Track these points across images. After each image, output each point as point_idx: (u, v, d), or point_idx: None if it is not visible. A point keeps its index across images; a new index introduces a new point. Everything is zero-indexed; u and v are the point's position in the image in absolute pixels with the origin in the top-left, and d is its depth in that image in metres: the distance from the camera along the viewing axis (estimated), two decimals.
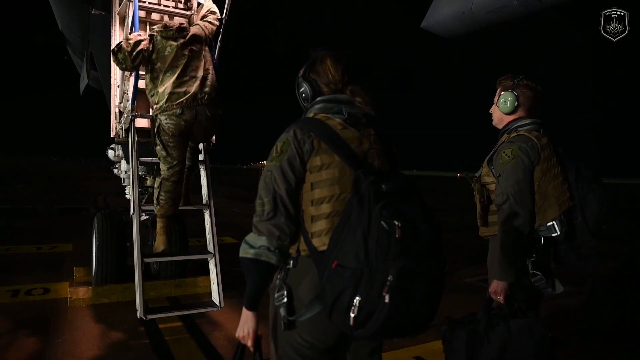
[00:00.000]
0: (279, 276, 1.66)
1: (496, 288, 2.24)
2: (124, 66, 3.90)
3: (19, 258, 6.85)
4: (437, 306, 1.46)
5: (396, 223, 1.34)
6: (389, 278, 1.31)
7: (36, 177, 32.71)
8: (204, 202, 4.39)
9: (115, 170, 6.01)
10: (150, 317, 3.66)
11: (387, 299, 1.30)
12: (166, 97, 3.80)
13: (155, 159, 4.22)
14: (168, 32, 3.92)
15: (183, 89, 3.83)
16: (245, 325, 1.66)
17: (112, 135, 4.98)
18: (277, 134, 1.73)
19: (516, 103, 2.41)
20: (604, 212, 2.36)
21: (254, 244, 1.59)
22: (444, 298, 1.47)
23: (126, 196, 5.40)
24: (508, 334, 2.11)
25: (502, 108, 2.45)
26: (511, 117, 2.47)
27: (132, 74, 4.12)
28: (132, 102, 4.14)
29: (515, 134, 2.38)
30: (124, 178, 5.73)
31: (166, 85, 3.82)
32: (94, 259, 4.96)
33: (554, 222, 2.25)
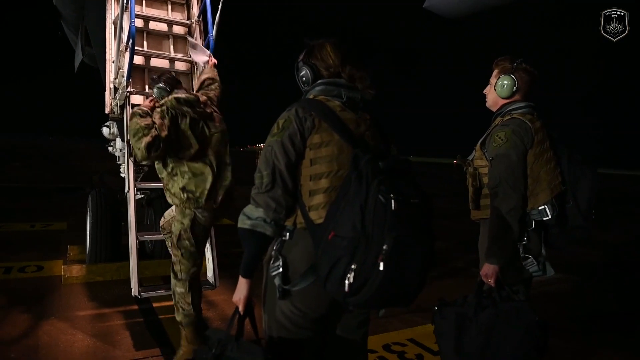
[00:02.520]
0: (274, 247, 1.72)
1: (487, 271, 2.24)
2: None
3: (13, 236, 6.81)
4: (426, 278, 1.55)
5: (392, 197, 1.43)
6: (384, 247, 1.40)
7: (31, 156, 32.49)
8: None
9: (110, 149, 5.94)
10: (144, 294, 3.63)
11: (381, 267, 1.39)
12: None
13: None
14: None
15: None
16: (239, 292, 1.74)
17: (106, 112, 4.91)
18: (275, 116, 1.78)
19: (515, 88, 2.37)
20: (595, 196, 2.36)
21: (251, 216, 1.64)
22: (440, 282, 1.48)
23: (121, 174, 5.34)
24: (496, 316, 2.12)
25: (500, 92, 2.41)
26: (506, 101, 2.44)
27: (128, 51, 4.03)
28: (128, 78, 4.06)
29: (509, 117, 2.36)
30: (119, 156, 5.67)
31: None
32: (88, 237, 4.93)
33: (545, 206, 2.24)
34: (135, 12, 4.01)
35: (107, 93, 4.83)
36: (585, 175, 2.34)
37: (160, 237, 4.34)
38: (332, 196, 1.62)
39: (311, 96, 1.81)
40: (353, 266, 1.43)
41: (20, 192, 12.06)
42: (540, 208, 2.25)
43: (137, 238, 3.69)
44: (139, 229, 3.89)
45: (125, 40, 4.19)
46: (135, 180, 3.95)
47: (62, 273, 4.73)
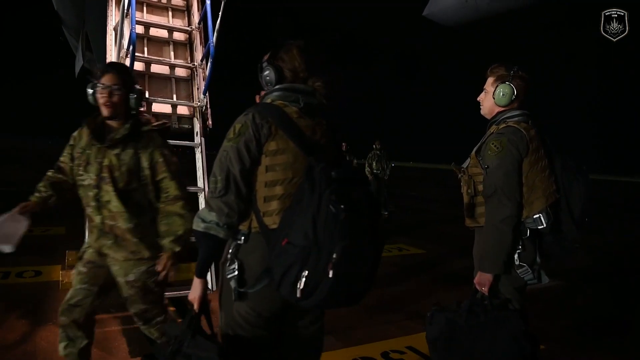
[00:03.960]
0: (230, 250, 1.79)
1: (481, 280, 2.25)
2: None
3: None
4: (373, 281, 1.66)
5: (342, 207, 1.50)
6: (334, 255, 1.48)
7: (30, 159, 32.44)
8: (199, 185, 4.36)
9: None
10: None
11: (330, 274, 1.48)
12: None
13: None
14: None
15: None
16: (194, 291, 1.80)
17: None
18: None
19: (513, 97, 2.37)
20: (589, 204, 2.37)
21: (205, 219, 1.71)
22: (437, 288, 1.51)
23: None
24: (484, 324, 2.14)
25: (499, 100, 2.40)
26: (502, 108, 2.44)
27: (128, 57, 4.05)
28: None
29: (504, 125, 2.36)
30: None
31: None
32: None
33: (540, 214, 2.24)
34: (136, 19, 4.04)
35: None
36: (579, 182, 2.35)
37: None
38: (286, 203, 1.69)
39: (269, 100, 1.83)
40: (305, 273, 1.51)
41: (18, 196, 12.03)
42: (535, 216, 2.25)
43: None
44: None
45: (125, 46, 4.21)
46: None
47: (61, 278, 4.72)
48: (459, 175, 2.48)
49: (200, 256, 1.77)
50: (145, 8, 4.87)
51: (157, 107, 4.57)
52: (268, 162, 1.72)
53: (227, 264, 1.79)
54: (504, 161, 2.23)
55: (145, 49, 4.66)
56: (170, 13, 5.00)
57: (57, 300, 4.32)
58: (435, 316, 2.27)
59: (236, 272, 1.75)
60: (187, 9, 5.10)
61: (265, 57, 1.89)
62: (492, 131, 2.40)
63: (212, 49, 4.24)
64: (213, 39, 4.27)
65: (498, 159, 2.24)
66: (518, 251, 2.27)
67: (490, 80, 2.48)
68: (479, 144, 2.44)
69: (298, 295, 1.53)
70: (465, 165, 2.48)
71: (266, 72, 1.86)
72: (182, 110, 4.66)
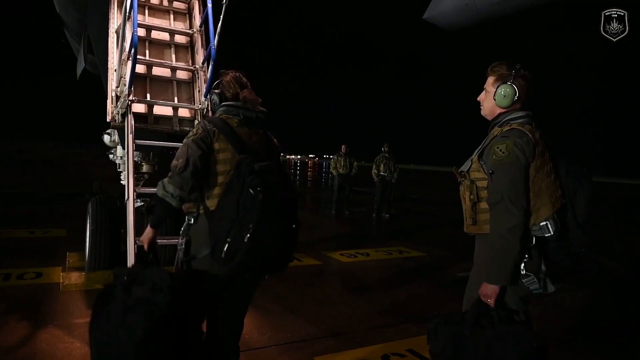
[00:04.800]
0: (182, 229, 2.31)
1: (487, 291, 2.14)
2: None
3: (12, 242, 6.81)
4: (288, 254, 2.21)
5: (259, 190, 2.01)
6: (250, 226, 1.99)
7: (31, 162, 32.49)
8: None
9: (111, 156, 5.95)
10: None
11: (246, 240, 1.98)
12: None
13: (151, 142, 4.18)
14: None
15: None
16: (146, 235, 2.31)
17: (108, 120, 4.92)
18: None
19: (515, 97, 2.24)
20: (592, 208, 2.26)
21: (165, 188, 2.19)
22: (439, 291, 1.50)
23: (121, 182, 5.35)
24: (493, 339, 2.03)
25: (500, 102, 2.27)
26: (504, 110, 2.30)
27: (130, 59, 4.06)
28: (130, 87, 4.09)
29: (508, 127, 2.22)
30: (119, 164, 5.67)
31: None
32: (87, 244, 4.92)
33: (547, 221, 2.12)
34: (138, 22, 4.05)
35: (109, 101, 4.85)
36: (583, 186, 2.24)
37: (159, 242, 4.34)
38: (223, 189, 2.19)
39: (217, 114, 2.43)
40: (228, 239, 2.02)
41: (20, 198, 12.06)
42: (542, 224, 2.12)
43: (135, 244, 3.69)
44: (138, 236, 3.89)
45: (127, 49, 4.22)
46: (135, 187, 3.96)
47: (61, 280, 4.73)
48: (459, 180, 2.36)
49: (154, 214, 2.26)
50: (146, 11, 4.89)
51: (158, 110, 4.58)
52: (212, 158, 2.25)
53: (180, 239, 2.30)
54: (510, 167, 2.10)
55: (147, 51, 4.67)
56: (171, 16, 5.02)
57: (58, 302, 4.34)
58: (440, 330, 2.16)
59: (183, 247, 2.26)
60: (189, 12, 5.12)
61: (213, 87, 2.54)
62: (495, 134, 2.25)
63: (213, 52, 4.25)
64: (214, 41, 4.27)
65: (504, 164, 2.11)
66: (524, 260, 2.15)
67: (490, 79, 2.34)
68: (480, 147, 2.32)
69: (223, 256, 2.04)
70: (466, 168, 2.34)
71: (212, 97, 2.53)
72: (184, 112, 4.67)
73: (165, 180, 2.21)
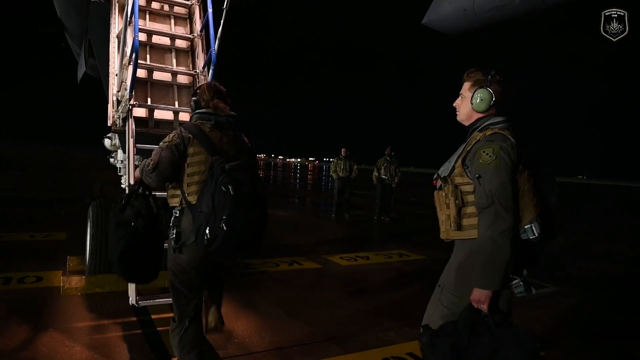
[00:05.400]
0: (171, 222, 2.68)
1: (479, 296, 2.11)
2: None
3: (12, 245, 6.81)
4: (259, 239, 2.63)
5: (230, 187, 2.41)
6: (224, 217, 2.40)
7: (32, 165, 32.51)
8: None
9: (112, 160, 5.97)
10: (142, 303, 3.64)
11: (224, 227, 2.39)
12: None
13: (152, 146, 4.20)
14: None
15: None
16: (135, 175, 2.90)
17: (109, 124, 4.95)
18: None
19: (492, 102, 2.27)
20: (559, 212, 2.28)
21: (146, 173, 2.69)
22: (426, 297, 1.50)
23: (122, 185, 5.36)
24: (494, 344, 2.02)
25: (477, 106, 2.30)
26: (481, 115, 2.33)
27: (131, 64, 4.08)
28: (131, 91, 4.11)
29: (491, 132, 2.24)
30: (120, 167, 5.69)
31: None
32: (87, 248, 4.93)
33: (532, 224, 2.14)
34: (139, 27, 4.07)
35: (109, 105, 4.87)
36: (553, 189, 2.28)
37: None
38: (200, 186, 2.58)
39: (193, 120, 2.79)
40: (208, 228, 2.42)
41: (20, 202, 12.07)
42: (526, 227, 2.14)
43: None
44: None
45: (128, 53, 4.25)
46: None
47: (62, 284, 4.74)
48: (439, 184, 2.35)
49: (139, 167, 2.83)
50: (147, 16, 4.92)
51: (159, 114, 4.61)
52: (189, 161, 2.62)
53: (169, 231, 2.68)
54: (499, 170, 2.11)
55: (148, 56, 4.70)
56: (172, 21, 5.05)
57: (58, 306, 4.34)
58: (437, 342, 2.12)
59: (174, 236, 2.65)
60: (189, 17, 5.15)
61: (191, 95, 2.98)
62: (478, 138, 2.25)
63: (213, 57, 4.28)
64: (215, 46, 4.31)
65: (492, 168, 2.12)
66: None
67: (467, 85, 2.38)
68: (461, 151, 2.30)
69: (205, 242, 2.44)
70: (446, 173, 2.31)
71: (191, 103, 2.89)
72: (184, 117, 4.69)
73: (147, 170, 2.68)
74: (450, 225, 2.28)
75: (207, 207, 2.43)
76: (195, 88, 3.00)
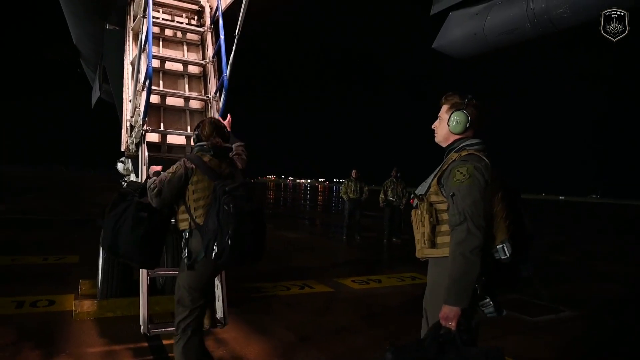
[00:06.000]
0: (182, 243, 3.02)
1: (448, 313, 2.11)
2: None
3: (26, 269, 6.86)
4: (260, 248, 2.95)
5: (231, 206, 2.77)
6: (229, 232, 2.74)
7: (45, 187, 32.92)
8: None
9: (124, 184, 6.03)
10: (153, 332, 3.63)
11: (230, 242, 2.73)
12: None
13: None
14: None
15: None
16: (150, 170, 3.30)
17: (122, 149, 5.01)
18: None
19: (467, 124, 2.36)
20: (531, 234, 2.32)
21: (150, 196, 3.02)
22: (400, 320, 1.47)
23: None
24: None
25: (453, 128, 2.38)
26: (458, 137, 2.41)
27: (144, 90, 4.15)
28: (144, 117, 4.17)
29: (466, 152, 2.30)
30: None
31: None
32: (100, 272, 4.95)
33: (503, 244, 2.17)
34: (153, 53, 4.15)
35: (123, 131, 4.94)
36: (525, 211, 2.31)
37: (171, 272, 4.35)
38: (206, 209, 2.96)
39: (194, 152, 3.20)
40: (216, 243, 2.75)
41: (34, 224, 12.19)
42: (498, 246, 2.17)
43: (147, 274, 3.71)
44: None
45: (142, 80, 4.32)
46: None
47: (74, 308, 4.74)
48: (416, 203, 2.40)
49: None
50: (161, 43, 5.01)
51: (171, 139, 4.65)
52: (194, 188, 3.01)
53: (182, 249, 3.02)
54: (471, 189, 2.16)
55: (161, 82, 4.78)
56: (185, 47, 5.14)
57: (70, 331, 4.34)
58: (401, 357, 2.06)
59: (186, 254, 2.97)
60: (202, 43, 5.24)
61: (194, 128, 3.36)
62: (454, 158, 2.32)
63: (225, 82, 4.34)
64: (227, 71, 4.37)
65: (465, 186, 2.17)
66: (481, 282, 2.15)
67: (444, 107, 2.47)
68: (437, 171, 2.37)
69: (214, 256, 2.76)
70: (423, 192, 2.38)
71: (193, 136, 3.30)
72: None
73: (153, 192, 2.99)
74: (425, 243, 2.33)
75: (214, 225, 2.78)
76: (199, 122, 3.32)
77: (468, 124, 2.36)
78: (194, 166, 3.01)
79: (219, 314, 3.86)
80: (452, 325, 2.09)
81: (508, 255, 2.16)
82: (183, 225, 3.02)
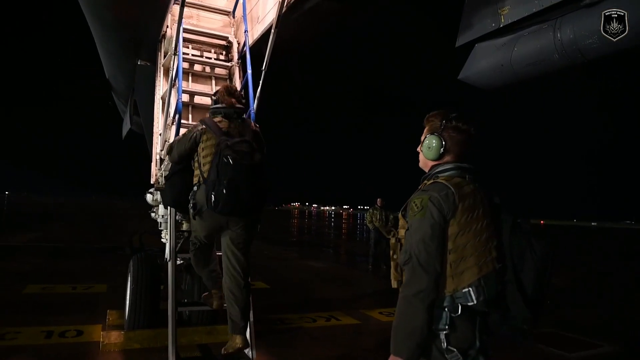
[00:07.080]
0: (190, 195, 3.50)
1: None
2: None
3: (55, 297, 6.96)
4: (257, 201, 3.43)
5: (230, 159, 3.21)
6: (224, 182, 3.18)
7: (74, 215, 33.70)
8: None
9: (153, 214, 6.12)
10: None
11: (225, 192, 3.17)
12: None
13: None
14: None
15: None
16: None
17: (152, 182, 5.10)
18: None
19: (442, 150, 2.05)
20: (546, 278, 1.92)
21: (164, 154, 3.99)
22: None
23: (162, 240, 5.46)
24: None
25: (426, 154, 2.10)
26: (436, 162, 2.11)
27: (174, 124, 4.25)
28: None
29: (433, 181, 2.03)
30: (160, 222, 5.82)
31: None
32: (127, 303, 4.98)
33: (470, 288, 1.86)
34: (182, 88, 4.26)
35: (153, 164, 5.04)
36: (534, 250, 1.93)
37: (198, 308, 4.35)
38: (210, 162, 3.33)
39: (208, 114, 3.71)
40: (213, 193, 3.19)
41: (63, 252, 12.43)
42: (464, 290, 1.87)
43: (175, 309, 3.72)
44: (177, 295, 3.92)
45: (172, 114, 4.43)
46: (175, 248, 4.03)
47: (101, 339, 4.76)
48: (389, 236, 2.23)
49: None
50: (190, 77, 5.15)
51: None
52: (203, 145, 3.45)
53: (189, 201, 3.49)
54: (422, 224, 1.90)
55: (190, 115, 4.89)
56: (213, 82, 5.27)
57: None
58: None
59: (192, 204, 3.44)
60: (229, 77, 5.36)
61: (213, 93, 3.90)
62: (420, 187, 2.08)
63: (252, 115, 4.41)
64: (254, 105, 4.44)
65: (416, 220, 1.92)
66: (445, 332, 1.87)
67: (425, 130, 2.19)
68: (407, 202, 2.08)
69: (212, 204, 3.20)
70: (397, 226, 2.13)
71: (212, 101, 3.77)
72: None
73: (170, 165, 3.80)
74: (392, 282, 2.09)
75: (214, 176, 3.22)
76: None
77: (442, 150, 2.06)
78: (204, 127, 3.48)
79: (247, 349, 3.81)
80: None
81: (475, 301, 1.86)
82: (195, 180, 3.49)
